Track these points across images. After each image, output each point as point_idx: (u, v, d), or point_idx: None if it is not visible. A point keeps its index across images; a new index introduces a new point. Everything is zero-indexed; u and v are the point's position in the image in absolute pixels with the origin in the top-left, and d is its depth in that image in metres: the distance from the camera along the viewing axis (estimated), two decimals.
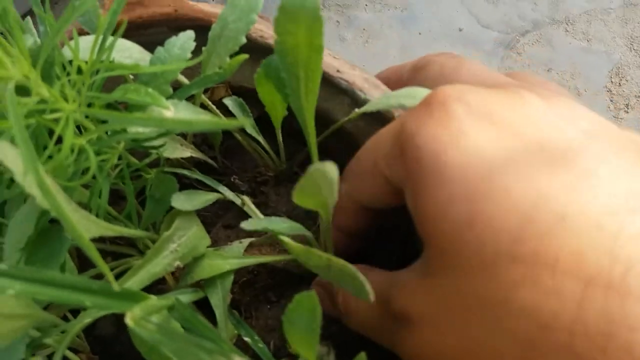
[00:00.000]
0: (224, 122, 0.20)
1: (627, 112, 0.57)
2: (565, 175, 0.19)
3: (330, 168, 0.19)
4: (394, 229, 0.36)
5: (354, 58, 0.50)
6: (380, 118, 0.33)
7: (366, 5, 0.59)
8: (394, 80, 0.33)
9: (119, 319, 0.34)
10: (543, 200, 0.19)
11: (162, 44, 0.29)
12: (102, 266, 0.17)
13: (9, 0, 0.22)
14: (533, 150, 0.20)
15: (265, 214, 0.39)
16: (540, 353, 0.17)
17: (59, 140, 0.22)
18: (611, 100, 0.58)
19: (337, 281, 0.26)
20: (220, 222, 0.38)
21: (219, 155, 0.39)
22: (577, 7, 0.60)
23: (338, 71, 0.33)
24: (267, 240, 0.36)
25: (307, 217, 0.39)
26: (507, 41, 0.60)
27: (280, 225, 0.30)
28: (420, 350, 0.22)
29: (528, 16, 0.60)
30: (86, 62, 0.23)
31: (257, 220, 0.31)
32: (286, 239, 0.29)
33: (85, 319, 0.26)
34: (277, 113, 0.32)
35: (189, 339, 0.16)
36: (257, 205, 0.39)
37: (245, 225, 0.29)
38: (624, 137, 0.21)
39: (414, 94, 0.28)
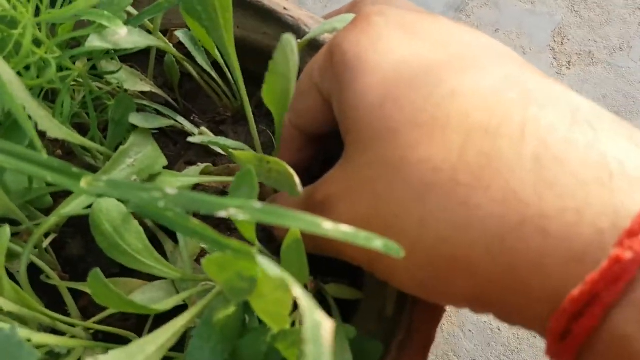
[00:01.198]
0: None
1: (569, 69, 0.61)
2: (458, 63, 0.23)
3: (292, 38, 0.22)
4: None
5: None
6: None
7: None
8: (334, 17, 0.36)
9: (87, 241, 0.37)
10: (440, 81, 0.22)
11: None
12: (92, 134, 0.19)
13: None
14: (436, 50, 0.24)
15: (225, 151, 0.41)
16: (431, 190, 0.20)
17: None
18: (554, 58, 0.62)
19: (277, 184, 0.28)
20: (182, 160, 0.41)
21: (180, 97, 0.42)
22: None
23: (285, 9, 0.36)
24: (224, 170, 0.39)
25: (266, 151, 0.42)
26: (457, 4, 0.63)
27: (227, 141, 0.32)
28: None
29: None
30: None
31: (204, 136, 0.34)
32: (234, 151, 0.32)
33: (51, 220, 0.29)
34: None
35: (130, 184, 0.19)
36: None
37: (192, 139, 0.32)
38: (519, 57, 0.25)
39: (346, 19, 0.31)
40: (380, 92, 0.23)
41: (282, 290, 0.19)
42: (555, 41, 0.61)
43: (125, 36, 0.29)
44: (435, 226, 0.20)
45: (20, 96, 0.23)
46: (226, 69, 0.39)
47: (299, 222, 0.16)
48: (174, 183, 0.33)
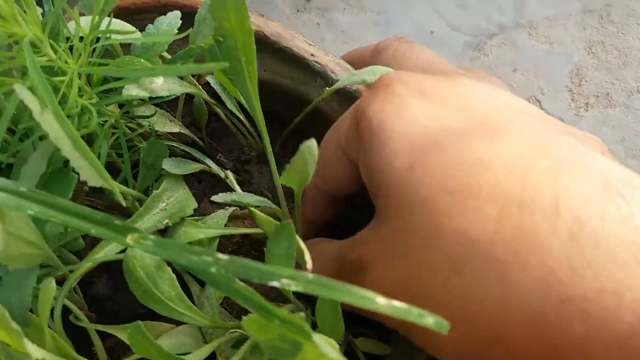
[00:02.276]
0: (207, 66, 0.23)
1: (587, 111, 0.62)
2: (483, 129, 0.24)
3: (313, 143, 0.23)
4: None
5: None
6: (350, 97, 0.36)
7: (344, 9, 0.64)
8: (357, 61, 0.38)
9: (114, 280, 0.37)
10: (467, 149, 0.23)
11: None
12: (114, 186, 0.20)
13: None
14: (457, 115, 0.25)
15: (249, 191, 0.42)
16: (468, 262, 0.21)
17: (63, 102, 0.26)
18: (572, 100, 0.62)
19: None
20: (207, 198, 0.42)
21: (206, 136, 0.42)
22: (539, 13, 0.65)
23: (312, 55, 0.37)
24: (248, 214, 0.39)
25: (288, 193, 0.42)
26: (475, 43, 0.64)
27: (249, 198, 0.33)
28: (373, 285, 0.25)
29: (494, 20, 0.65)
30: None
31: (227, 194, 0.34)
32: (255, 210, 0.32)
33: (85, 265, 0.29)
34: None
35: (180, 245, 0.19)
36: (241, 183, 0.42)
37: (215, 198, 0.32)
38: (539, 113, 0.26)
39: (374, 71, 0.32)
40: (408, 157, 0.24)
41: (330, 357, 0.19)
42: (572, 82, 0.62)
43: (161, 84, 0.29)
44: (475, 301, 0.20)
45: (66, 148, 0.24)
46: (240, 114, 0.39)
47: (353, 297, 0.16)
48: (196, 235, 0.33)
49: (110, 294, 0.36)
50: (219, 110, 0.40)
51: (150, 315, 0.37)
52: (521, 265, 0.20)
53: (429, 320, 0.16)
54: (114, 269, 0.37)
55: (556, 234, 0.19)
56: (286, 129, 0.42)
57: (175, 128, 0.37)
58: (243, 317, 0.23)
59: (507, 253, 0.20)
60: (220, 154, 0.42)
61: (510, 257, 0.20)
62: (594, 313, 0.18)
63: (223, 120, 0.41)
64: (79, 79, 0.28)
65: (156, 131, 0.35)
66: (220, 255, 0.18)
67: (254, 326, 0.22)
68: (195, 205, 0.34)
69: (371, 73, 0.32)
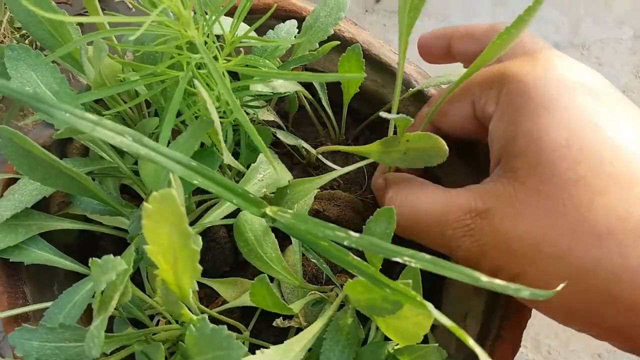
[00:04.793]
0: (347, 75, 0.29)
1: None
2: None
3: None
4: None
5: None
6: (424, 100, 0.41)
7: None
8: (462, 35, 0.37)
9: (206, 241, 0.43)
10: (624, 135, 0.26)
11: (262, 27, 0.38)
12: (266, 153, 0.25)
13: None
14: (611, 97, 0.28)
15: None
16: (613, 235, 0.25)
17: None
18: None
19: (414, 161, 0.33)
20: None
21: (290, 124, 0.48)
22: (593, 35, 0.69)
23: (398, 63, 0.42)
24: (326, 195, 0.45)
25: (355, 181, 0.48)
26: None
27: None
28: (496, 235, 0.28)
29: (550, 38, 0.69)
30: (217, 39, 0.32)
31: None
32: (364, 147, 0.37)
33: (203, 223, 0.35)
34: (350, 90, 0.40)
35: (316, 221, 0.25)
36: (316, 168, 0.48)
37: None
38: None
39: (455, 73, 0.37)
40: (564, 132, 0.27)
41: (426, 315, 0.25)
42: None
43: (281, 83, 0.35)
44: (610, 268, 0.24)
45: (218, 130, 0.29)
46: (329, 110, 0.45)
47: (462, 275, 0.21)
48: (311, 188, 0.37)
49: (203, 251, 0.42)
50: (305, 103, 0.45)
51: (233, 273, 0.43)
52: None
53: (525, 292, 0.21)
54: (204, 231, 0.43)
55: None
56: (361, 123, 0.47)
57: (271, 117, 0.42)
58: (331, 282, 0.29)
59: None
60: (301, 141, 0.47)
61: None
62: None
63: (307, 112, 0.46)
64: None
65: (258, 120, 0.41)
66: (352, 233, 0.23)
67: (360, 289, 0.27)
68: (290, 177, 0.39)
69: (452, 75, 0.37)
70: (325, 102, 0.43)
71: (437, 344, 0.28)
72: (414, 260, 0.22)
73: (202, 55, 0.27)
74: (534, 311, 0.32)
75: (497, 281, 0.21)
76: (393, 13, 0.69)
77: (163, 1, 0.26)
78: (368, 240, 0.23)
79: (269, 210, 0.27)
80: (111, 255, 0.26)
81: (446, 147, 0.30)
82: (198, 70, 0.32)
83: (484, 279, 0.21)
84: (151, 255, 0.25)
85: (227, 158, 0.31)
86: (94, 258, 0.26)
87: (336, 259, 0.26)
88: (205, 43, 0.30)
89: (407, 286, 0.24)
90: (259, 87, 0.34)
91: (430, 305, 0.22)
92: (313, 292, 0.37)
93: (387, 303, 0.26)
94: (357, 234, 0.23)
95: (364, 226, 0.30)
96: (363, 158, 0.49)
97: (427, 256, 0.22)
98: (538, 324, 0.57)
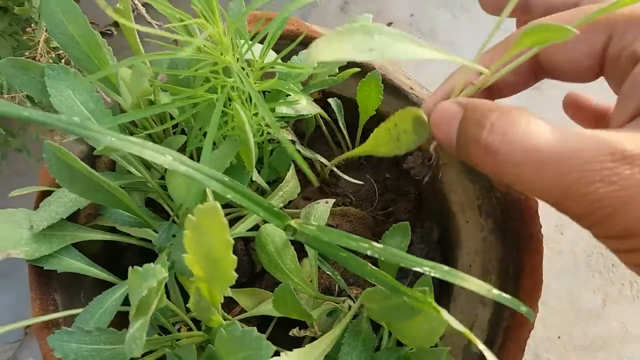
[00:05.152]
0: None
1: None
2: None
3: None
4: None
5: None
6: None
7: (419, 37, 0.71)
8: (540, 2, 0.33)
9: None
10: None
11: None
12: (304, 167, 0.28)
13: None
14: None
15: (336, 193, 0.50)
16: None
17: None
18: None
19: (407, 142, 0.34)
20: (301, 195, 0.50)
21: (305, 143, 0.50)
22: None
23: (411, 88, 0.45)
24: (339, 211, 0.47)
25: (367, 198, 0.50)
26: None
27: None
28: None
29: None
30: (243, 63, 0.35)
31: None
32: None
33: None
34: (367, 112, 0.43)
35: (340, 232, 0.27)
36: (329, 185, 0.50)
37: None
38: None
39: None
40: None
41: (439, 321, 0.27)
42: None
43: (304, 106, 0.37)
44: None
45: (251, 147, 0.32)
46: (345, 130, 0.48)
47: (476, 286, 0.24)
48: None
49: None
50: (322, 123, 0.48)
51: (249, 284, 0.45)
52: None
53: (523, 309, 0.23)
54: None
55: None
56: None
57: (289, 136, 0.45)
58: (347, 293, 0.31)
59: None
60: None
61: None
62: None
63: (322, 132, 0.49)
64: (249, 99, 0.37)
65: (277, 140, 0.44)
66: (374, 243, 0.26)
67: (376, 297, 0.30)
68: (299, 190, 0.42)
69: None
70: (341, 123, 0.46)
71: (448, 347, 0.30)
72: (433, 270, 0.24)
73: (241, 79, 0.29)
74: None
75: (505, 295, 0.23)
76: None
77: (206, 28, 0.28)
78: (390, 251, 0.25)
79: (294, 222, 0.29)
80: (152, 264, 0.28)
81: (425, 118, 0.28)
82: (231, 93, 0.34)
83: (495, 291, 0.23)
84: (188, 263, 0.27)
85: (255, 175, 0.34)
86: (134, 266, 0.28)
87: (356, 269, 0.28)
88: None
89: (423, 293, 0.26)
90: (284, 109, 0.36)
91: (444, 311, 0.24)
92: (327, 302, 0.39)
93: (404, 310, 0.28)
94: (380, 245, 0.26)
95: (379, 240, 0.32)
96: (376, 176, 0.51)
97: (446, 267, 0.24)
98: (538, 338, 0.59)
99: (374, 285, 0.35)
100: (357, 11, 0.72)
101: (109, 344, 0.31)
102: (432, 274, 0.24)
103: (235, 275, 0.27)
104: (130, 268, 0.29)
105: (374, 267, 0.27)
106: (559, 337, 0.57)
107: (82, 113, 0.38)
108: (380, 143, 0.35)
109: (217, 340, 0.28)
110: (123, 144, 0.24)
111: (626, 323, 0.58)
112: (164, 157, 0.25)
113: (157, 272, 0.27)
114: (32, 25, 0.43)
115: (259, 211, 0.29)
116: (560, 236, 0.62)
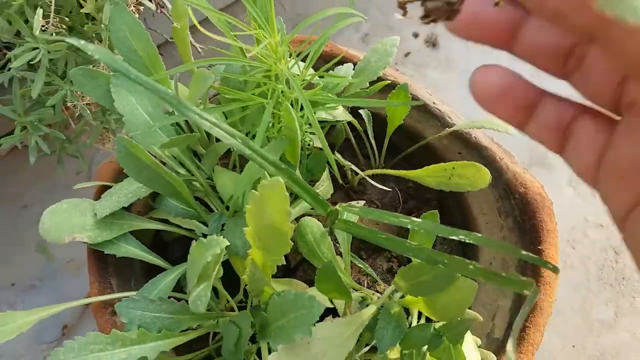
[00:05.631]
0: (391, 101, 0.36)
1: None
2: None
3: None
4: None
5: None
6: (460, 138, 0.48)
7: (436, 66, 0.76)
8: None
9: None
10: None
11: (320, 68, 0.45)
12: (336, 170, 0.32)
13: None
14: None
15: (362, 199, 0.54)
16: None
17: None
18: None
19: (457, 184, 0.40)
20: (330, 200, 0.54)
21: (336, 151, 0.55)
22: None
23: (434, 103, 0.49)
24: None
25: (391, 204, 0.54)
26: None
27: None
28: None
29: None
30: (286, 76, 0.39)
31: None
32: (420, 171, 0.43)
33: None
34: (394, 122, 0.47)
35: (382, 211, 0.31)
36: (356, 192, 0.54)
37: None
38: None
39: (496, 121, 0.44)
40: None
41: (469, 290, 0.30)
42: None
43: (341, 112, 0.42)
44: None
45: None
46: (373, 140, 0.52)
47: (503, 247, 0.27)
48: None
49: None
50: (351, 136, 0.52)
51: (285, 276, 0.49)
52: None
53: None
54: None
55: None
56: (398, 155, 0.54)
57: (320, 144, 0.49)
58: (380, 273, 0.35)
59: None
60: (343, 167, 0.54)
61: None
62: None
63: (351, 143, 0.53)
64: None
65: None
66: (414, 218, 0.29)
67: (412, 273, 0.33)
68: (332, 191, 0.46)
69: (491, 123, 0.44)
70: (370, 132, 0.50)
71: (475, 314, 0.33)
72: (467, 238, 0.28)
73: (293, 85, 0.34)
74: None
75: (531, 255, 0.26)
76: (421, 66, 0.77)
77: (266, 38, 0.33)
78: (428, 224, 0.29)
79: (339, 206, 0.33)
80: (214, 235, 0.32)
81: (489, 175, 0.35)
82: (279, 98, 0.39)
83: (523, 252, 0.27)
84: (248, 236, 0.31)
85: (297, 172, 0.38)
86: (199, 239, 0.32)
87: (397, 247, 0.32)
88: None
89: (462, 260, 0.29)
90: (323, 114, 0.41)
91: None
92: (360, 291, 0.42)
93: (438, 281, 0.31)
94: (419, 219, 0.29)
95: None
96: (399, 184, 0.55)
97: (478, 235, 0.28)
98: (553, 346, 0.61)
99: None
100: (376, 42, 0.78)
101: (169, 313, 0.35)
102: (467, 241, 0.28)
103: (291, 243, 0.30)
104: (193, 242, 0.33)
105: (411, 242, 0.31)
106: (573, 346, 0.60)
107: (141, 116, 0.42)
108: (431, 175, 0.40)
109: (269, 307, 0.32)
110: (201, 120, 0.28)
111: (637, 333, 0.61)
112: (234, 139, 0.29)
113: (220, 242, 0.31)
114: (98, 42, 0.48)
115: (306, 197, 0.33)
116: (572, 250, 0.65)
